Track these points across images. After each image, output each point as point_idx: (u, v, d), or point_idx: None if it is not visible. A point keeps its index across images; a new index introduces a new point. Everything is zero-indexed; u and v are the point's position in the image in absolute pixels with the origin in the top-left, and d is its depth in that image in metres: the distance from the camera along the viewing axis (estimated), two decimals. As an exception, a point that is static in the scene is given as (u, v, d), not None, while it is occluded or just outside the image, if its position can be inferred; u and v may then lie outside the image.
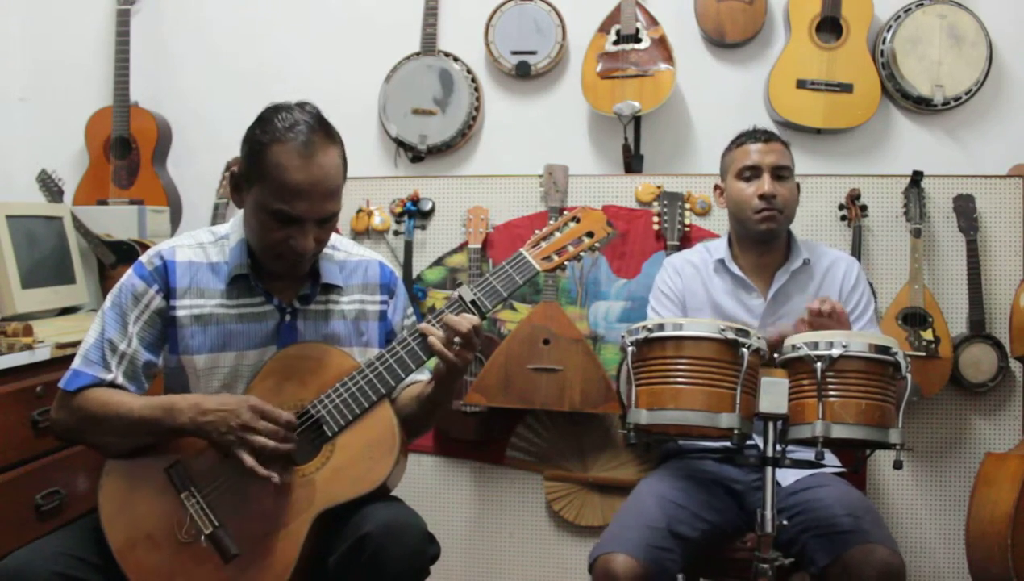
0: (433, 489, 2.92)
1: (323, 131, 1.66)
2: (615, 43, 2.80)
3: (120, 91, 3.00)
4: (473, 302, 1.71)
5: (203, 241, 1.80)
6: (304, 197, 1.63)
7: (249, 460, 1.59)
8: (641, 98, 2.75)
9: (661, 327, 1.77)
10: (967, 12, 2.68)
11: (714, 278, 2.30)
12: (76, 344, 2.15)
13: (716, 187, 2.37)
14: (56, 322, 2.57)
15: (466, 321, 1.66)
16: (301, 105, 1.70)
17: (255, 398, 1.63)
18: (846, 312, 2.03)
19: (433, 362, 1.73)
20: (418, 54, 2.96)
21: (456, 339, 1.67)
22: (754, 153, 2.23)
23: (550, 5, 2.90)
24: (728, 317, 2.23)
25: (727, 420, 1.70)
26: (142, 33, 3.10)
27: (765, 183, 2.19)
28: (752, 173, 2.22)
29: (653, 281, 2.43)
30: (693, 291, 2.31)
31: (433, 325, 1.69)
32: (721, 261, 2.29)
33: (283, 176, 1.62)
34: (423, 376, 1.88)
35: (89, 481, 2.27)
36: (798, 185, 2.31)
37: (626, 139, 2.85)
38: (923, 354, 2.55)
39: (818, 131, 2.77)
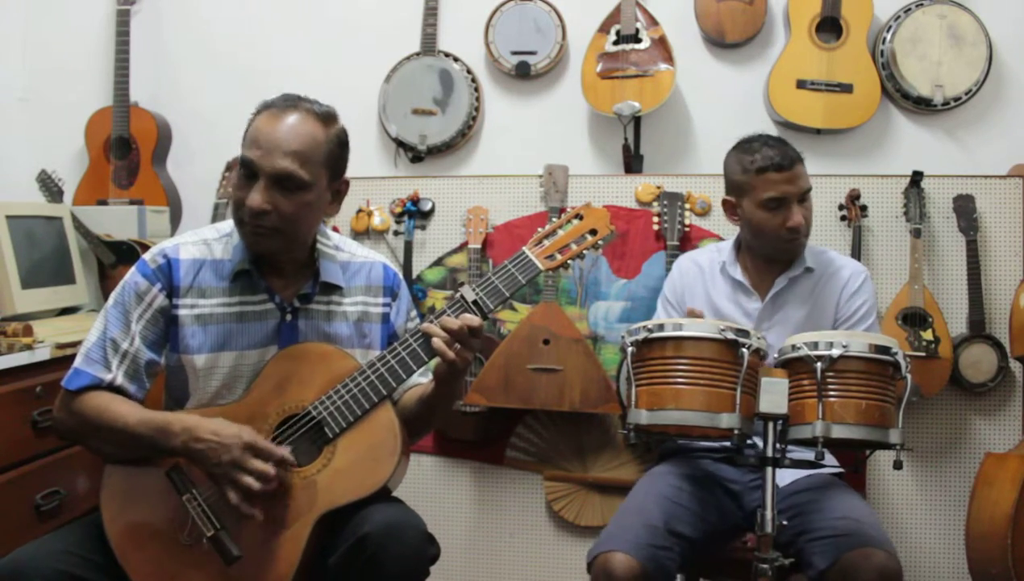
0: (433, 489, 2.92)
1: (315, 112, 1.69)
2: (615, 43, 2.80)
3: (120, 91, 3.00)
4: (475, 302, 1.70)
5: (207, 238, 1.80)
6: (258, 145, 1.65)
7: (234, 498, 1.58)
8: (641, 98, 2.75)
9: (661, 327, 1.78)
10: (967, 12, 2.68)
11: (717, 280, 2.30)
12: (76, 344, 2.16)
13: (725, 202, 2.26)
14: (56, 322, 2.57)
15: (465, 321, 1.66)
16: (318, 101, 1.73)
17: (249, 431, 1.61)
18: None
19: (434, 363, 1.72)
20: (418, 54, 2.96)
21: (456, 341, 1.67)
22: (781, 184, 2.12)
23: (550, 5, 2.90)
24: (725, 319, 2.22)
25: (727, 420, 1.71)
26: (142, 33, 3.10)
27: (795, 214, 2.12)
28: (778, 204, 2.13)
29: (653, 281, 2.43)
30: (693, 293, 2.31)
31: (434, 325, 1.69)
32: (724, 264, 2.29)
33: (252, 128, 1.68)
34: (425, 378, 1.88)
35: (89, 481, 2.27)
36: None
37: (626, 139, 2.85)
38: (923, 354, 2.55)
39: (818, 131, 2.77)
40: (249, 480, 1.57)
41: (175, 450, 1.62)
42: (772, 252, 2.23)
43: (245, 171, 1.67)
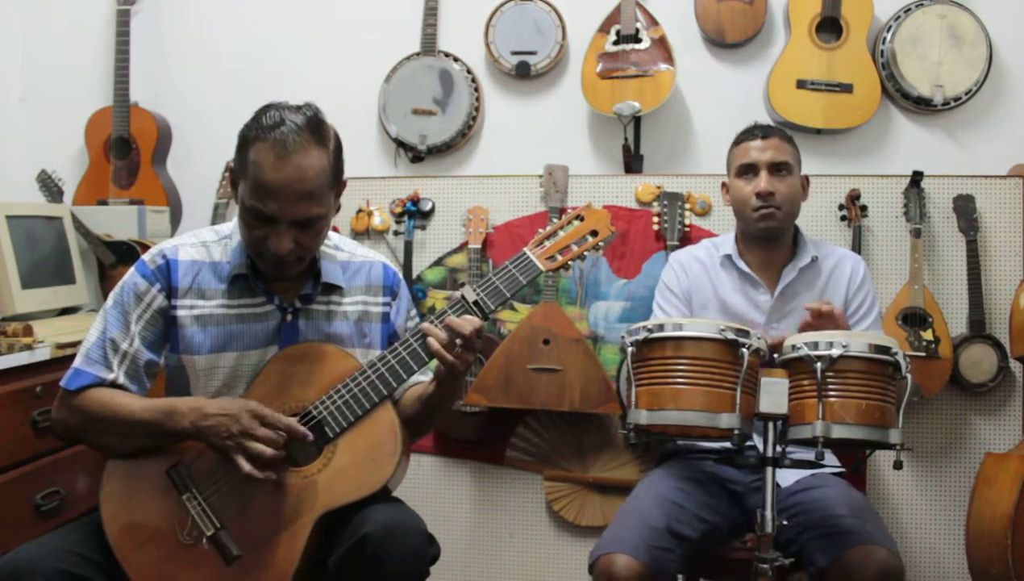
0: (433, 489, 2.92)
1: (309, 132, 1.62)
2: (615, 43, 2.80)
3: (120, 91, 3.00)
4: (476, 303, 1.70)
5: (206, 240, 1.80)
6: (275, 196, 1.60)
7: (246, 466, 1.58)
8: (641, 98, 2.75)
9: (661, 327, 1.77)
10: (967, 12, 2.68)
11: (721, 274, 2.31)
12: (76, 344, 2.15)
13: (723, 185, 2.38)
14: (56, 322, 2.57)
15: (467, 323, 1.66)
16: (299, 105, 1.67)
17: (255, 403, 1.62)
18: (845, 315, 2.03)
19: (435, 362, 1.72)
20: (418, 54, 2.96)
21: (457, 341, 1.67)
22: (752, 150, 2.24)
23: (550, 5, 2.90)
24: (735, 314, 2.23)
25: (727, 420, 1.70)
26: (142, 33, 3.10)
27: (762, 181, 2.20)
28: (750, 171, 2.24)
29: (653, 281, 2.43)
30: (699, 288, 2.31)
31: (435, 326, 1.69)
32: (728, 257, 2.30)
33: (258, 173, 1.61)
34: (425, 377, 1.88)
35: (89, 481, 2.27)
36: (807, 179, 2.31)
37: (626, 139, 2.85)
38: (923, 354, 2.55)
39: (818, 131, 2.77)
40: (259, 447, 1.58)
41: (184, 431, 1.62)
42: (749, 226, 2.26)
43: (257, 215, 1.64)
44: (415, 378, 1.83)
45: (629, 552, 1.85)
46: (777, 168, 2.22)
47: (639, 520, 1.94)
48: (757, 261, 2.29)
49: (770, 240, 2.27)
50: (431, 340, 1.67)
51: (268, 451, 1.59)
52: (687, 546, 1.94)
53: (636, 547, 1.86)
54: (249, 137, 1.64)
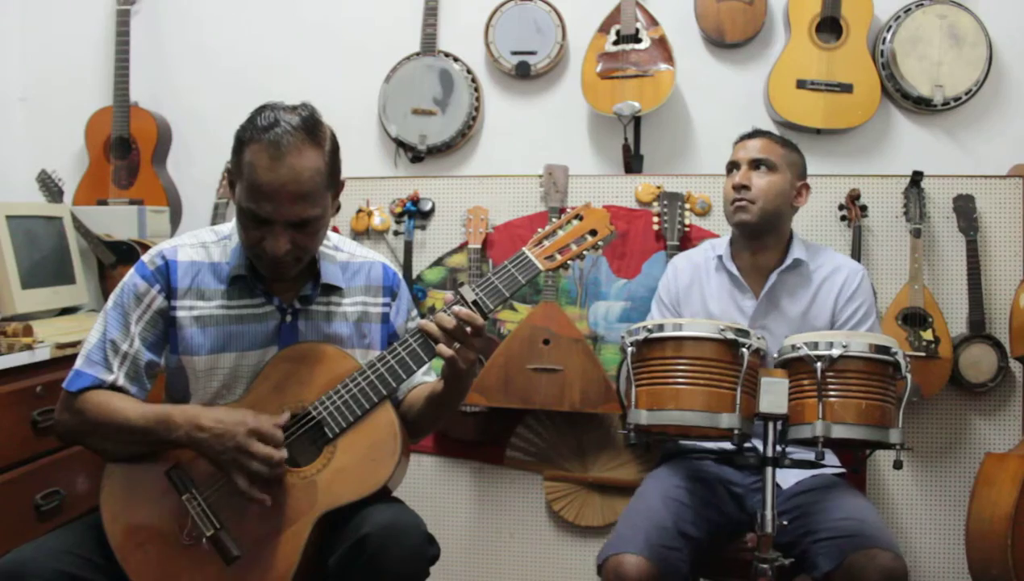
0: (433, 489, 2.92)
1: (304, 133, 1.60)
2: (615, 43, 2.80)
3: (120, 91, 3.00)
4: (475, 302, 1.70)
5: (206, 241, 1.79)
6: (270, 198, 1.59)
7: (243, 484, 1.58)
8: (641, 98, 2.75)
9: (661, 328, 1.78)
10: (967, 12, 2.68)
11: (712, 276, 2.31)
12: (76, 344, 2.16)
13: None
14: (56, 322, 2.57)
15: (461, 316, 1.66)
16: (294, 106, 1.66)
17: (252, 417, 1.61)
18: None
19: (438, 363, 1.72)
20: (418, 54, 2.96)
21: (456, 339, 1.67)
22: (737, 150, 2.30)
23: (550, 5, 2.90)
24: (719, 319, 2.22)
25: (727, 420, 1.71)
26: (142, 33, 3.10)
27: (738, 174, 2.24)
28: (733, 167, 2.29)
29: (653, 281, 2.44)
30: (688, 294, 2.32)
31: (432, 323, 1.69)
32: (720, 258, 2.30)
33: (252, 175, 1.60)
34: (429, 377, 1.88)
35: (89, 481, 2.27)
36: (807, 186, 2.30)
37: (626, 139, 2.85)
38: (923, 354, 2.55)
39: (818, 131, 2.77)
40: (257, 466, 1.58)
41: (178, 441, 1.62)
42: (730, 222, 2.29)
43: (253, 217, 1.63)
44: (418, 378, 1.83)
45: (639, 552, 1.85)
46: (757, 164, 2.24)
47: (646, 519, 1.94)
48: (746, 263, 2.29)
49: (753, 239, 2.26)
50: (434, 338, 1.66)
51: (265, 470, 1.58)
52: (693, 545, 1.94)
53: (645, 547, 1.86)
54: (244, 138, 1.63)
